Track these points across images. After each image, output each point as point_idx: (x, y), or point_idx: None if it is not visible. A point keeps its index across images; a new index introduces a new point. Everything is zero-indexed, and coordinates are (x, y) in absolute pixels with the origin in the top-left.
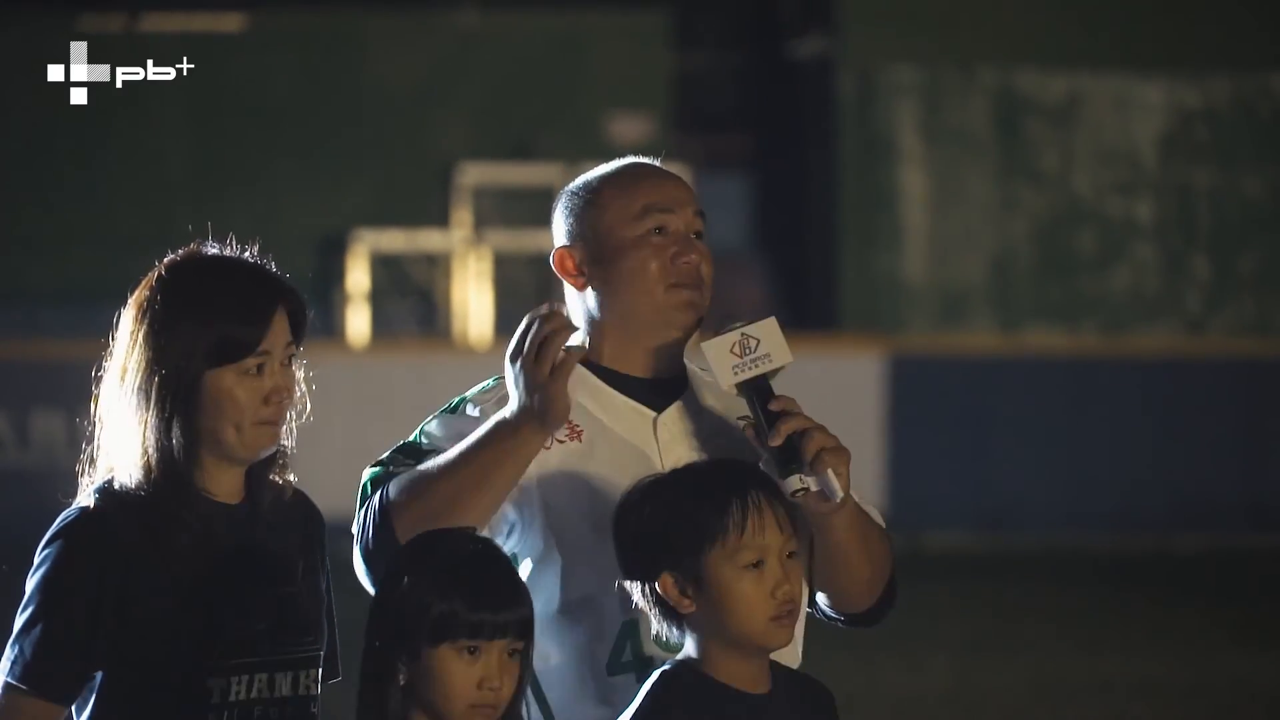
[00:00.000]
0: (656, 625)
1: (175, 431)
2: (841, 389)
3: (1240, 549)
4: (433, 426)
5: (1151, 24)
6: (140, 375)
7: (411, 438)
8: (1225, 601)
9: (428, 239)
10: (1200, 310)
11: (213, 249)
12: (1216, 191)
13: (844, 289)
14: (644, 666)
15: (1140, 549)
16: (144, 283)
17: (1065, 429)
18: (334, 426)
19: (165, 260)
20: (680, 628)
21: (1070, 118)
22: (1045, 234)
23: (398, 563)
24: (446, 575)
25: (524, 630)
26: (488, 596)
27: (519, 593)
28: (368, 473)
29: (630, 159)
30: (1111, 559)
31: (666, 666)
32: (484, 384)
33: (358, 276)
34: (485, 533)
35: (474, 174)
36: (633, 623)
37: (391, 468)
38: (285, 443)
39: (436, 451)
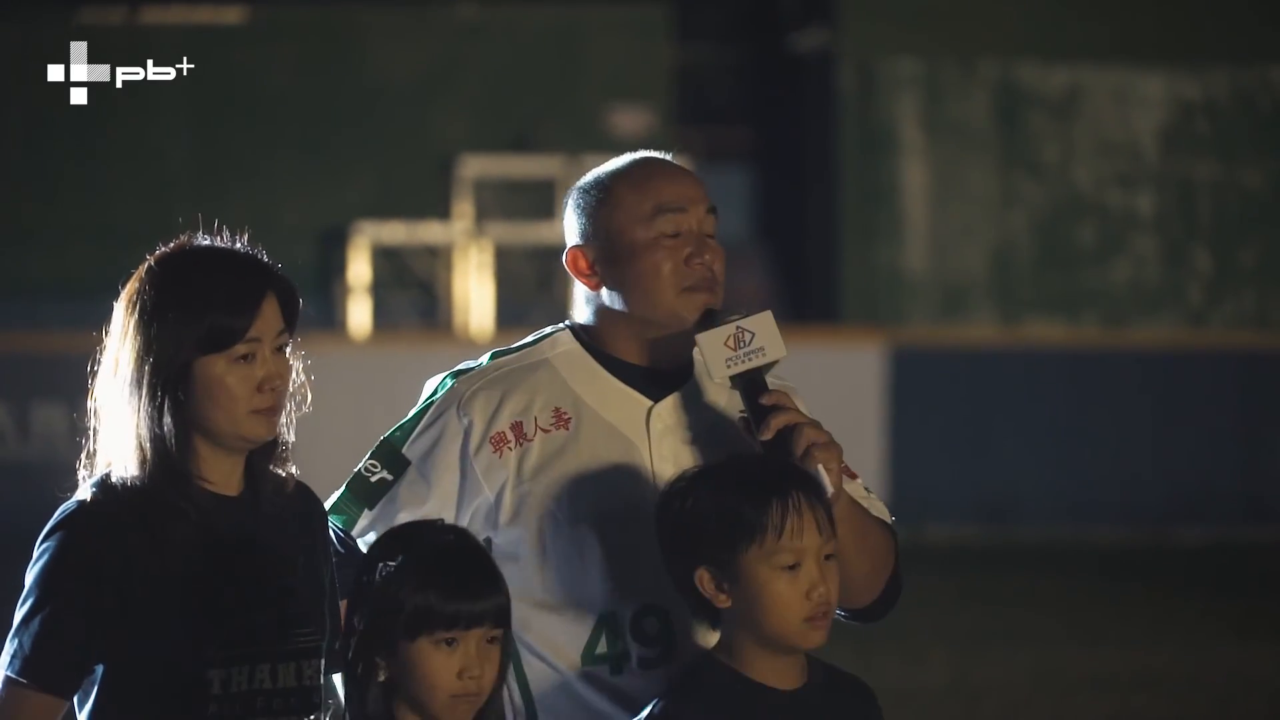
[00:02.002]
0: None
1: (167, 419)
2: (842, 381)
3: (1240, 541)
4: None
5: (1151, 16)
6: (132, 366)
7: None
8: (1225, 593)
9: (428, 231)
10: (1200, 303)
11: (203, 240)
12: (1217, 184)
13: (844, 281)
14: (619, 658)
15: (1140, 541)
16: (134, 276)
17: (1065, 421)
18: (334, 418)
19: (155, 253)
20: (714, 621)
21: (1070, 110)
22: (1045, 226)
23: (371, 559)
24: (420, 568)
25: (500, 617)
26: (462, 587)
27: (494, 580)
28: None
29: (642, 154)
30: (1111, 551)
31: (695, 659)
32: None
33: (359, 269)
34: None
35: (474, 166)
36: (610, 614)
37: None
38: (285, 434)
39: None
